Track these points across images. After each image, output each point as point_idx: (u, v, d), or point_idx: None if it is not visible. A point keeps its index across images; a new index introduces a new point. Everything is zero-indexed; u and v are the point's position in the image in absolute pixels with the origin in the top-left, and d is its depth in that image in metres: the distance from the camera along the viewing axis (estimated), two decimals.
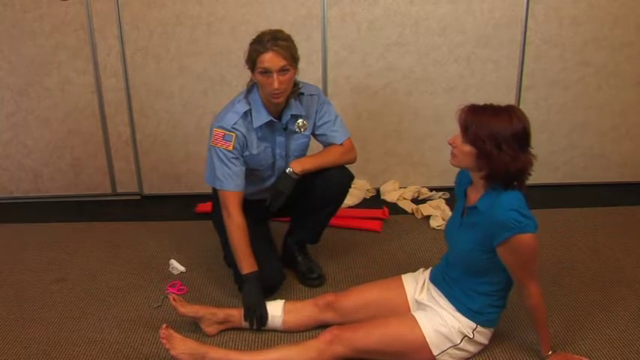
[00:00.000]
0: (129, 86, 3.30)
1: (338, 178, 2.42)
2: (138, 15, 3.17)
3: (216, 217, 2.49)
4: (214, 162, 2.28)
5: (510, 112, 1.78)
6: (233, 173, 2.27)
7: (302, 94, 2.39)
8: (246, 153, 2.31)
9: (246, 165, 2.33)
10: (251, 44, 2.20)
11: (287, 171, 2.33)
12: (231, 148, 2.25)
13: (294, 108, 2.35)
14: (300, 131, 2.40)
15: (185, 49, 3.23)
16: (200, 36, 3.21)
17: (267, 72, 2.15)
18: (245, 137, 2.28)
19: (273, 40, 2.15)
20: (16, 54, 3.24)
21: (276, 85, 2.16)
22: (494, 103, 1.82)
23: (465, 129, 1.79)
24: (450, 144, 1.85)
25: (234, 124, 2.25)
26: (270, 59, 2.14)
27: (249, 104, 2.28)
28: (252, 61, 2.19)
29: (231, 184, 2.27)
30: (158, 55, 3.24)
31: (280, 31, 2.21)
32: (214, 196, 2.50)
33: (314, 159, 2.39)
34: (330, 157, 2.42)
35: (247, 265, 2.24)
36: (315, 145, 2.50)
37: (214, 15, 3.18)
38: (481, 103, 1.83)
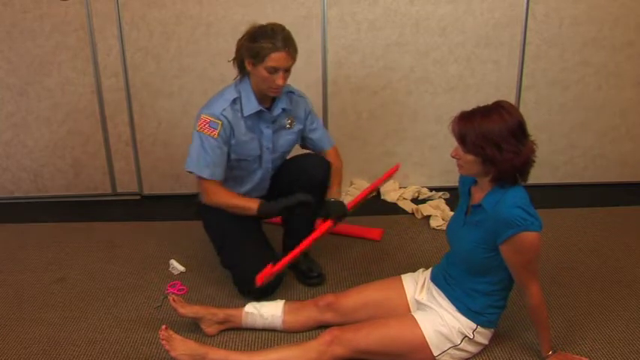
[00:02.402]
0: (129, 86, 3.30)
1: (317, 170, 2.45)
2: (138, 15, 3.17)
3: (207, 223, 2.50)
4: (196, 147, 2.28)
5: (500, 109, 1.77)
6: (212, 162, 2.28)
7: (292, 92, 2.44)
8: (233, 141, 2.31)
9: (235, 154, 2.34)
10: (257, 39, 2.16)
11: (340, 200, 2.40)
12: (216, 135, 2.25)
13: (285, 102, 2.38)
14: (288, 127, 2.43)
15: (185, 49, 3.23)
16: (200, 36, 3.21)
17: (275, 70, 2.17)
18: (231, 125, 2.28)
19: (286, 40, 2.16)
20: (16, 54, 3.24)
21: (281, 82, 2.19)
22: (481, 105, 1.81)
23: (462, 140, 1.80)
24: (454, 157, 1.85)
25: (223, 110, 2.26)
26: (282, 59, 2.16)
27: (239, 92, 2.29)
28: (259, 57, 2.16)
29: (210, 172, 2.28)
30: (158, 55, 3.24)
31: (284, 28, 2.21)
32: (202, 203, 2.51)
33: (337, 183, 2.47)
34: (339, 170, 2.53)
35: (252, 203, 2.28)
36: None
37: (214, 15, 3.18)
38: (482, 103, 1.83)
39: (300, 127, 2.49)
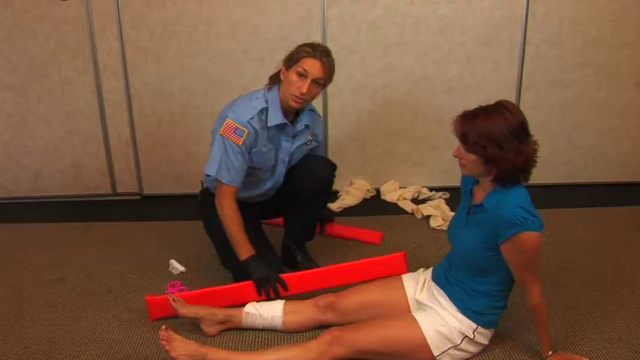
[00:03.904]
0: (129, 86, 3.30)
1: (322, 171, 2.46)
2: (138, 15, 3.17)
3: (207, 220, 2.50)
4: (219, 152, 2.26)
5: (502, 109, 1.77)
6: (233, 168, 2.26)
7: (314, 111, 2.48)
8: (255, 150, 2.31)
9: (251, 162, 2.33)
10: (301, 45, 2.25)
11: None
12: (240, 143, 2.24)
13: (308, 119, 2.41)
14: (309, 144, 2.46)
15: (185, 49, 3.23)
16: (200, 36, 3.21)
17: (304, 75, 2.20)
18: (257, 134, 2.28)
19: (325, 53, 2.23)
20: (16, 54, 3.23)
21: (305, 89, 2.20)
22: (483, 105, 1.82)
23: (464, 139, 1.80)
24: (456, 156, 1.85)
25: (250, 119, 2.25)
26: (314, 66, 2.20)
27: (267, 102, 2.29)
28: (294, 60, 2.22)
29: (229, 177, 2.27)
30: (158, 55, 3.24)
31: (329, 50, 2.29)
32: (203, 199, 2.51)
33: None
34: None
35: (245, 250, 2.27)
36: None
37: (214, 15, 3.18)
38: (482, 103, 1.83)
39: (316, 144, 2.52)
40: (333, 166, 2.50)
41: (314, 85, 2.22)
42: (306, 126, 2.41)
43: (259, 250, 2.38)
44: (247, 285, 2.26)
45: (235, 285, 2.29)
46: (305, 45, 2.25)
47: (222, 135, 2.25)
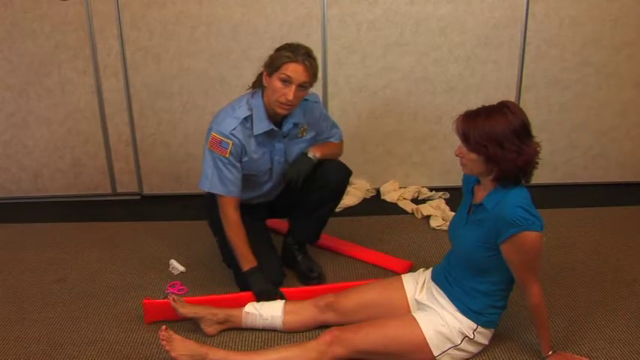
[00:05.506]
0: (129, 86, 3.30)
1: (337, 174, 2.44)
2: (138, 15, 3.17)
3: (211, 219, 2.50)
4: (210, 166, 2.26)
5: (504, 109, 1.78)
6: (227, 180, 2.26)
7: (306, 99, 2.39)
8: (245, 159, 2.29)
9: (245, 170, 2.32)
10: (280, 49, 2.18)
11: (309, 155, 2.36)
12: (227, 155, 2.23)
13: (297, 116, 2.35)
14: (300, 136, 2.41)
15: (185, 49, 3.23)
16: (200, 36, 3.21)
17: (288, 81, 2.14)
18: (243, 144, 2.26)
19: (307, 55, 2.15)
20: (16, 54, 3.24)
21: (291, 96, 2.15)
22: (486, 104, 1.82)
23: (465, 138, 1.80)
24: (457, 155, 1.86)
25: (233, 130, 2.22)
26: (297, 70, 2.13)
27: (251, 110, 2.26)
28: (276, 66, 2.15)
29: (225, 189, 2.27)
30: (158, 55, 3.24)
31: (310, 48, 2.21)
32: (209, 199, 2.51)
33: (322, 149, 2.43)
34: (334, 150, 2.50)
35: (247, 262, 2.29)
36: None
37: (214, 15, 3.18)
38: (481, 103, 1.83)
39: (313, 134, 2.46)
40: (348, 173, 2.47)
41: (299, 89, 2.17)
42: (295, 124, 2.35)
43: (261, 251, 2.37)
44: (247, 296, 2.27)
45: (235, 295, 2.30)
46: (284, 49, 2.17)
47: (209, 149, 2.25)
